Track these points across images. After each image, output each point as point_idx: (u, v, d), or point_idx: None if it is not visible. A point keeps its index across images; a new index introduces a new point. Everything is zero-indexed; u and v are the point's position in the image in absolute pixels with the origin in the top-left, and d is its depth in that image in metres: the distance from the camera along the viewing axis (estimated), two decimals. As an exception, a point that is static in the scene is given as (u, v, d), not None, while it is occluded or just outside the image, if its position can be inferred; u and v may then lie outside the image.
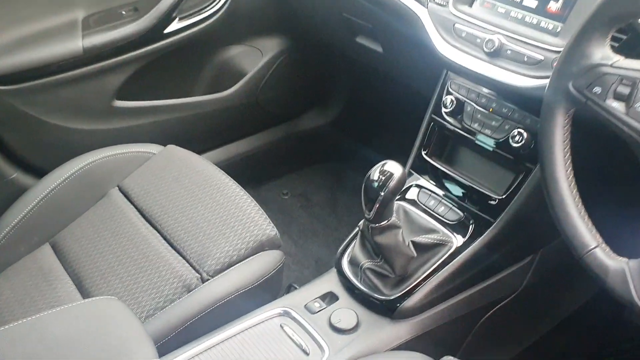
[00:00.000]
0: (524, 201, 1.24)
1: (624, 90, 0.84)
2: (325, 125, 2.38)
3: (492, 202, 1.29)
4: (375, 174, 1.15)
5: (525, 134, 1.22)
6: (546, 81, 1.12)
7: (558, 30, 1.15)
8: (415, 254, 1.23)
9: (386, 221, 1.18)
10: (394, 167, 1.15)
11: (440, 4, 1.33)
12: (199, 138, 2.10)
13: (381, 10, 1.52)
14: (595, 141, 1.02)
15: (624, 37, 1.03)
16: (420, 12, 1.36)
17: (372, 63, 1.89)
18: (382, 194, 1.13)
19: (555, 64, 0.92)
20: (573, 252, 0.89)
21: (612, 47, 0.88)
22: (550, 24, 1.17)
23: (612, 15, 0.84)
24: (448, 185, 1.38)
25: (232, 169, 2.15)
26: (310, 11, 1.95)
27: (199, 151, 2.08)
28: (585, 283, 1.60)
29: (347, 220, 2.16)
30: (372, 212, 1.16)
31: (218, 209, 1.46)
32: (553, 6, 1.17)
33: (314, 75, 2.29)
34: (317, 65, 2.27)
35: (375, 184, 1.14)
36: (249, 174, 2.26)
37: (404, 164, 1.83)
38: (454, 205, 1.34)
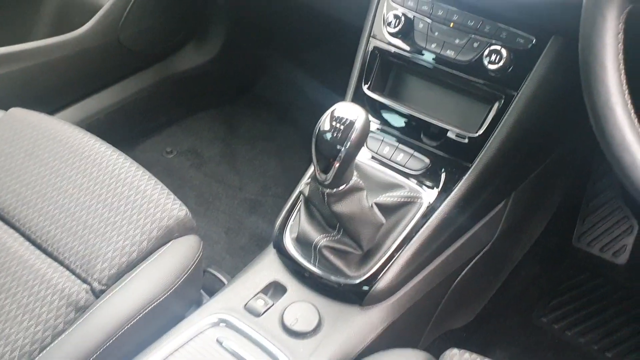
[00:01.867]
0: (505, 137, 0.99)
1: None
2: (206, 62, 1.98)
3: (464, 142, 1.03)
4: (326, 122, 0.84)
5: (503, 52, 0.96)
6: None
7: None
8: (384, 220, 0.95)
9: (345, 185, 0.89)
10: (353, 112, 0.84)
11: None
12: (48, 95, 1.65)
13: None
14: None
15: None
16: None
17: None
18: (343, 149, 0.83)
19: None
20: None
21: None
22: None
23: None
24: (402, 126, 1.10)
25: (97, 128, 1.72)
26: None
27: (51, 112, 1.64)
28: (538, 220, 1.45)
29: (251, 176, 1.83)
30: (329, 175, 0.86)
31: (99, 190, 1.07)
32: None
33: (187, 2, 1.87)
34: (191, -11, 1.86)
35: (330, 137, 0.84)
36: (119, 132, 1.84)
37: (320, 101, 1.49)
38: (415, 151, 1.06)
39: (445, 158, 1.05)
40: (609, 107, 0.65)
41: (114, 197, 1.06)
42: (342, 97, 1.16)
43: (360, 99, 1.12)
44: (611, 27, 0.65)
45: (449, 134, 1.04)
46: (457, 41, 1.01)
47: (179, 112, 2.00)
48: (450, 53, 1.02)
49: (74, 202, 1.05)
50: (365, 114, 0.85)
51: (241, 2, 1.90)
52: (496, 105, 1.00)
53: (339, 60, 1.31)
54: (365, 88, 1.12)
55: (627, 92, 0.66)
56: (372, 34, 1.11)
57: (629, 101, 0.66)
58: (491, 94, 1.01)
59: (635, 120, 0.66)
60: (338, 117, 0.84)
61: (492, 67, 0.97)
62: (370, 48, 1.11)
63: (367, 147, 1.09)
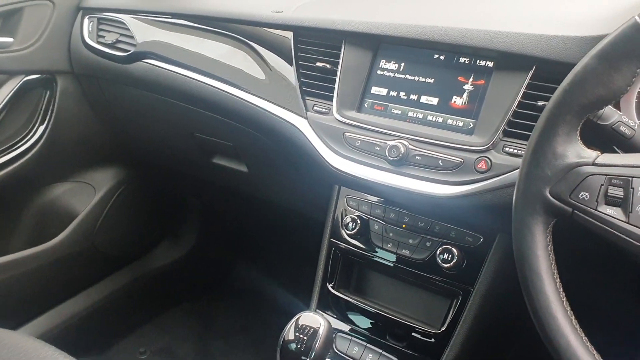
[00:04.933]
0: (468, 332, 1.02)
1: (617, 192, 0.67)
2: (180, 259, 2.03)
3: (430, 340, 1.05)
4: (290, 332, 0.88)
5: (455, 251, 1.02)
6: (471, 187, 0.96)
7: (471, 127, 1.00)
8: None
9: (314, 395, 0.89)
10: (314, 320, 0.88)
11: (322, 112, 1.13)
12: (18, 307, 1.64)
13: (247, 127, 1.28)
14: (582, 254, 0.84)
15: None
16: (300, 123, 1.15)
17: (234, 184, 1.63)
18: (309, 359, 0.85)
19: (521, 167, 0.74)
20: None
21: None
22: (459, 121, 1.01)
23: (585, 102, 0.68)
24: (369, 325, 1.12)
25: (69, 335, 1.71)
26: (151, 135, 1.66)
27: (19, 324, 1.63)
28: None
29: (227, 373, 1.79)
30: (296, 389, 0.86)
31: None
32: (458, 101, 1.02)
33: (160, 204, 1.96)
34: (164, 193, 1.95)
35: (294, 347, 0.86)
36: (91, 336, 1.81)
37: (290, 294, 1.50)
38: (384, 350, 1.08)
39: (414, 356, 1.06)
40: (550, 314, 0.69)
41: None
42: (310, 292, 1.20)
43: (325, 297, 1.16)
44: (540, 240, 0.71)
45: (415, 333, 1.06)
46: (410, 241, 1.08)
47: (153, 309, 1.99)
48: (405, 252, 1.08)
49: None
50: (326, 323, 0.88)
51: (217, 203, 1.99)
52: (455, 300, 1.04)
53: (306, 250, 1.36)
54: (329, 287, 1.16)
55: (564, 298, 0.70)
56: (332, 236, 1.17)
57: (568, 307, 0.70)
58: (449, 289, 1.05)
59: (577, 325, 0.70)
60: (300, 326, 0.88)
61: (445, 265, 1.02)
62: (332, 249, 1.17)
63: (336, 348, 1.11)
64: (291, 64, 1.19)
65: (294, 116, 1.16)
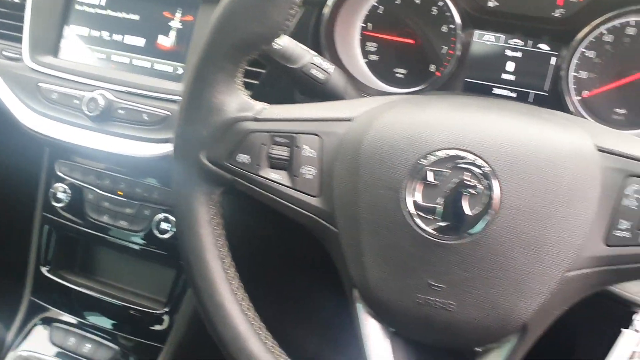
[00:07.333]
0: (194, 312, 0.89)
1: (281, 152, 0.55)
2: None
3: (154, 322, 0.91)
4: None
5: (172, 218, 0.88)
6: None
7: (180, 72, 0.84)
8: None
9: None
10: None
11: (12, 58, 0.91)
12: None
13: None
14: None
15: (263, 71, 0.76)
16: (-15, 73, 0.92)
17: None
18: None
19: (175, 125, 0.58)
20: None
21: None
22: (168, 66, 0.85)
23: (237, 42, 0.54)
24: (88, 310, 0.96)
25: None
26: None
27: None
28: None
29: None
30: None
31: None
32: (165, 41, 0.85)
33: None
34: None
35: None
36: None
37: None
38: (105, 339, 0.92)
39: (138, 342, 0.92)
40: (216, 305, 0.56)
41: None
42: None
43: (43, 284, 0.97)
44: (202, 215, 0.57)
45: (137, 316, 0.92)
46: (128, 210, 0.92)
47: None
48: (123, 223, 0.92)
49: None
50: None
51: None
52: (181, 274, 0.91)
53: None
54: (45, 271, 0.97)
55: (234, 280, 0.58)
56: (45, 209, 0.98)
57: (243, 298, 0.57)
58: (175, 262, 0.91)
59: (255, 320, 0.57)
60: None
61: (163, 236, 0.88)
62: (46, 226, 0.98)
63: (52, 341, 0.94)
64: (-27, -2, 0.94)
65: (-23, 64, 0.93)
